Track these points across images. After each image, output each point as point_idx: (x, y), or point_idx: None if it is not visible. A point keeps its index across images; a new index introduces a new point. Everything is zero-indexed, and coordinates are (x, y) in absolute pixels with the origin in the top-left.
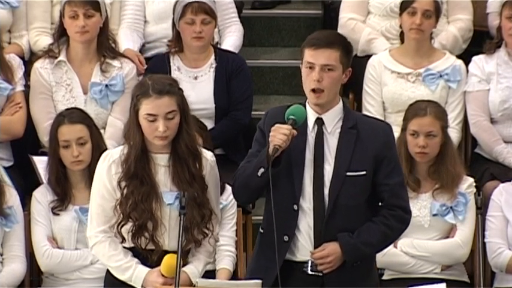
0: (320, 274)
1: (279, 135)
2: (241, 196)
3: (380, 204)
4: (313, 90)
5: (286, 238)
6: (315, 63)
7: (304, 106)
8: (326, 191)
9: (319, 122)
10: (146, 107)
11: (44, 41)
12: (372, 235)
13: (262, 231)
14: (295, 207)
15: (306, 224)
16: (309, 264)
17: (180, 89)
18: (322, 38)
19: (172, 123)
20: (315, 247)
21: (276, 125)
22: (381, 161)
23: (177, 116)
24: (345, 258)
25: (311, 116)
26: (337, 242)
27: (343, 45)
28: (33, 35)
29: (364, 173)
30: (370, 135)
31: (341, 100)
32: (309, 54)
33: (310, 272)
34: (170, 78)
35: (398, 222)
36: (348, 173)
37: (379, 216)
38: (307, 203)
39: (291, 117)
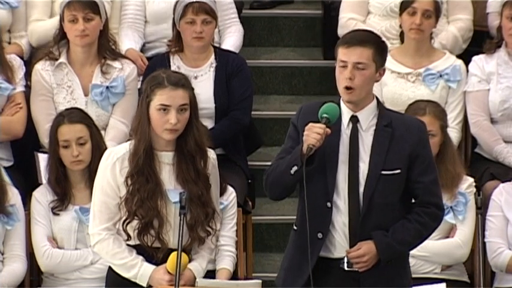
0: (356, 269)
1: (313, 134)
2: (273, 192)
3: (413, 201)
4: (346, 88)
5: (320, 235)
6: (348, 61)
7: (339, 104)
8: (361, 189)
9: (354, 119)
10: (160, 97)
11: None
12: (406, 233)
13: (295, 228)
14: (329, 204)
15: (341, 221)
16: (345, 260)
17: (192, 87)
18: (356, 36)
19: (183, 117)
20: (350, 245)
21: (310, 124)
22: (415, 159)
23: (188, 111)
24: (380, 257)
25: (346, 114)
26: (372, 241)
27: (377, 43)
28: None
29: (398, 171)
30: (404, 133)
31: (375, 98)
32: (342, 53)
33: (346, 268)
34: (183, 74)
35: (431, 219)
36: (383, 172)
37: (412, 213)
38: (341, 200)
39: (325, 115)
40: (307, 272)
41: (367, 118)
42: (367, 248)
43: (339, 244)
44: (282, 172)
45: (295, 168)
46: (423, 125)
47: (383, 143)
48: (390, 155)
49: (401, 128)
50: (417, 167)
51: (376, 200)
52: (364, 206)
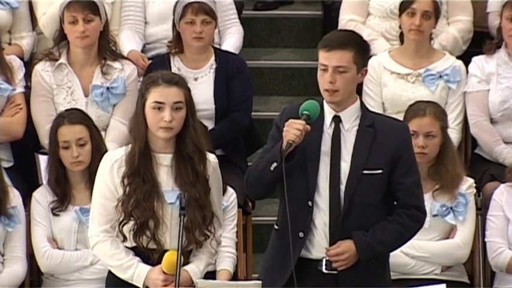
0: (335, 272)
1: (293, 130)
2: (254, 191)
3: (395, 203)
4: (327, 90)
5: (301, 234)
6: (328, 65)
7: (322, 104)
8: (342, 188)
9: (337, 119)
10: (154, 94)
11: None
12: (386, 234)
13: (277, 227)
14: (310, 203)
15: (321, 220)
16: (324, 262)
17: (188, 87)
18: (335, 39)
19: (178, 115)
20: (330, 244)
21: (290, 120)
22: (397, 161)
23: (184, 110)
24: (359, 257)
25: (328, 114)
26: (351, 240)
27: (357, 45)
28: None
29: (380, 171)
30: (387, 135)
31: (358, 99)
32: (322, 56)
33: (325, 271)
34: (179, 75)
35: (413, 221)
36: (364, 171)
37: (394, 215)
38: (322, 199)
39: (305, 112)
40: (288, 272)
41: (350, 118)
42: (346, 246)
43: (319, 244)
44: (262, 169)
45: (274, 164)
46: (406, 128)
47: (365, 142)
48: (372, 155)
49: (384, 129)
50: (399, 168)
51: (357, 199)
52: (345, 205)
